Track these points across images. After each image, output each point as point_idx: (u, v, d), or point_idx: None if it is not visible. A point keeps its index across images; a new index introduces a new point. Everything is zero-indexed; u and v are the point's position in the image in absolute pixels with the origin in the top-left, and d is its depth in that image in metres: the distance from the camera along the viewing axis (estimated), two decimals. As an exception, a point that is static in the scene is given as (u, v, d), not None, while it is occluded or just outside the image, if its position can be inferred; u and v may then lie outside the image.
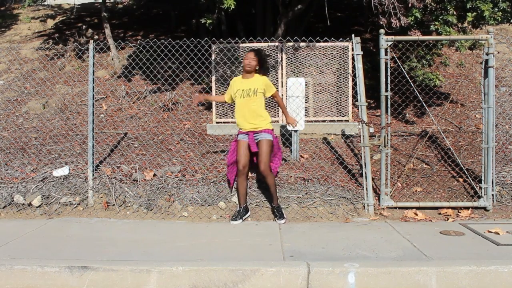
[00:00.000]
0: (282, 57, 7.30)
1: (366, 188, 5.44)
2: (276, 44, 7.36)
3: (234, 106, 7.33)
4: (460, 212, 5.36)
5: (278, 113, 7.36)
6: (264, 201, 5.48)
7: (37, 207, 5.56)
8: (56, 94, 8.42)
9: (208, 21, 6.89)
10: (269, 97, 5.24)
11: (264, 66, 5.16)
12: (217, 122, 7.37)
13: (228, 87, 5.43)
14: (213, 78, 7.39)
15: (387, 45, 5.40)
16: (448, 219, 5.24)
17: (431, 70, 7.99)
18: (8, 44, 10.66)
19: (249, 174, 5.52)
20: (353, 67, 5.95)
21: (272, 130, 5.12)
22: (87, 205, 5.60)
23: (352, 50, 6.17)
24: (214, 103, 7.36)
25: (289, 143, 6.53)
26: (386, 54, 5.39)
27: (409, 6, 6.28)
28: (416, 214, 5.32)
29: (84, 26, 11.18)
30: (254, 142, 5.04)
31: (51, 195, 5.63)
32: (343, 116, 7.42)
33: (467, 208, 5.40)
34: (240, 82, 5.14)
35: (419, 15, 6.40)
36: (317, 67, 7.51)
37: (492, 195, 5.49)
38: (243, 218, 5.18)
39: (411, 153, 6.59)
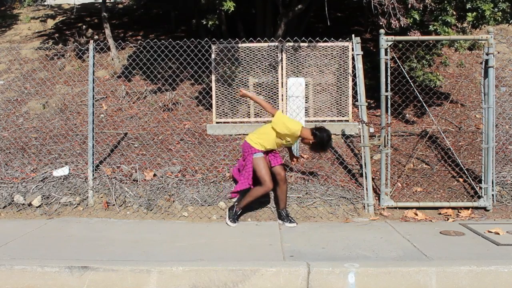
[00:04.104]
0: (282, 57, 7.30)
1: (366, 188, 5.44)
2: (276, 44, 7.35)
3: (234, 106, 7.43)
4: (460, 212, 5.36)
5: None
6: (264, 201, 5.49)
7: (37, 207, 5.56)
8: (56, 94, 8.42)
9: (210, 23, 6.87)
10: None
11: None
12: (217, 122, 7.37)
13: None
14: (213, 78, 7.38)
15: (387, 45, 5.40)
16: (448, 219, 5.25)
17: (431, 70, 7.99)
18: (8, 44, 10.66)
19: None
20: (353, 67, 5.95)
21: None
22: (87, 205, 5.60)
23: (352, 50, 6.17)
24: (214, 103, 7.35)
25: (289, 143, 6.53)
26: (386, 54, 5.39)
27: (408, 6, 6.27)
28: (416, 214, 5.32)
29: (84, 26, 11.18)
30: (274, 156, 5.15)
31: (51, 195, 5.63)
32: (343, 116, 7.42)
33: (467, 208, 5.40)
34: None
35: (417, 17, 6.40)
36: (317, 67, 7.50)
37: (492, 195, 5.49)
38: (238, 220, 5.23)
39: (411, 153, 6.59)
